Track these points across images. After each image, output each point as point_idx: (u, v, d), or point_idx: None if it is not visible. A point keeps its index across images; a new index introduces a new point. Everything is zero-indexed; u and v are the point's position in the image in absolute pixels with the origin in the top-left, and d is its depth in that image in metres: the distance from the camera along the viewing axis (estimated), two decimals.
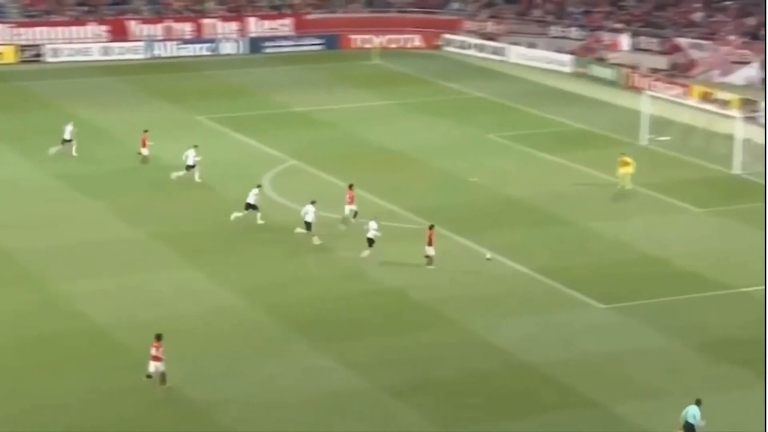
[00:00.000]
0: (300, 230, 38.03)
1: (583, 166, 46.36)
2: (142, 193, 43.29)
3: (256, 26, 73.76)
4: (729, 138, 48.53)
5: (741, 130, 46.65)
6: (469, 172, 45.72)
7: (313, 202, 38.03)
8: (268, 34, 73.43)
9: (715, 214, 40.17)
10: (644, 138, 49.70)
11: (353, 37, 73.20)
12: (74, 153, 47.22)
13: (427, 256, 35.69)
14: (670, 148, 48.71)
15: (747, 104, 54.19)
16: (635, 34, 66.42)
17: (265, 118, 56.12)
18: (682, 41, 64.73)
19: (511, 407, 27.57)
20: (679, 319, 32.15)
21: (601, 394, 27.97)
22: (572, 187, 44.10)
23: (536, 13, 73.24)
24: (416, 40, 73.56)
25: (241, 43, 72.35)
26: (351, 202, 39.41)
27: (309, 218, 37.80)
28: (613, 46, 66.23)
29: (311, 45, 73.10)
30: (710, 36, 64.47)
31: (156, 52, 70.48)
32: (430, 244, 35.68)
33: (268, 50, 72.36)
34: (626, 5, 70.60)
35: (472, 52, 71.23)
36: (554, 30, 70.78)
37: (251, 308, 32.96)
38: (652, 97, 52.32)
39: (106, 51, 69.31)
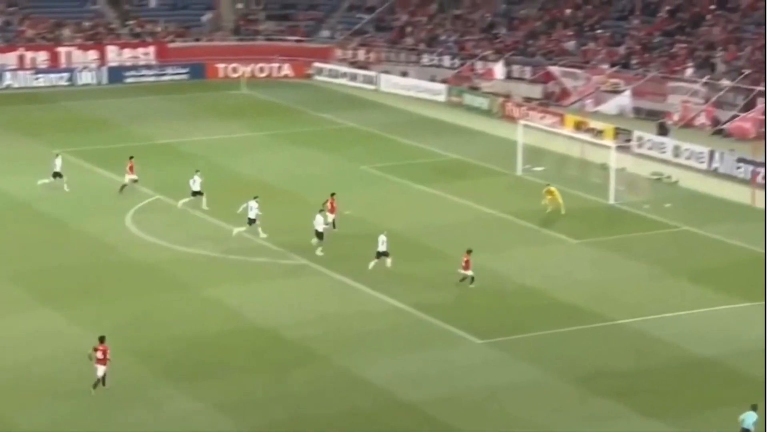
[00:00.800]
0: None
1: (460, 197, 46.99)
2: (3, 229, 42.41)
3: (115, 55, 72.95)
4: (603, 168, 49.86)
5: (615, 159, 47.94)
6: (343, 206, 45.88)
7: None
8: (128, 63, 72.69)
9: (590, 245, 41.11)
10: (519, 168, 50.67)
11: (219, 65, 72.99)
12: (66, 188, 46.67)
13: (465, 278, 36.81)
14: (545, 179, 49.71)
15: (620, 133, 55.74)
16: (508, 63, 67.80)
17: (127, 151, 55.41)
18: (555, 70, 66.32)
19: None
20: (557, 352, 32.72)
21: None
22: (448, 219, 44.63)
23: (408, 41, 74.19)
24: (285, 69, 73.73)
25: (100, 72, 71.42)
26: (332, 211, 41.43)
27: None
28: (487, 75, 67.48)
29: (175, 74, 72.64)
30: (582, 65, 66.22)
31: (8, 83, 69.10)
32: (466, 268, 36.62)
33: (129, 80, 71.64)
34: (499, 33, 72.07)
35: (343, 81, 71.72)
36: (427, 58, 71.77)
37: (113, 351, 32.36)
38: (527, 126, 53.43)
39: None
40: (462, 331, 33.88)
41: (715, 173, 51.02)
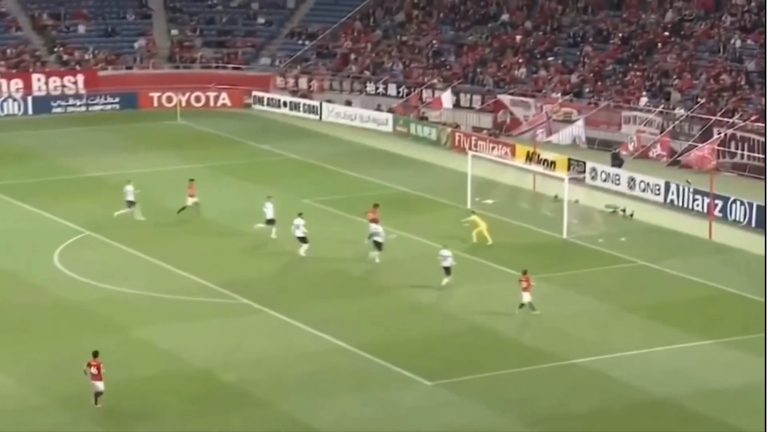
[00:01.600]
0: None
1: (407, 232, 47.14)
2: None
3: (41, 84, 72.50)
4: (556, 200, 50.30)
5: (568, 192, 48.37)
6: (285, 241, 45.85)
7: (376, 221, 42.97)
8: (55, 93, 72.29)
9: (543, 281, 41.36)
10: (469, 201, 50.96)
11: (153, 94, 72.80)
12: (140, 217, 47.56)
13: (525, 304, 37.34)
14: (496, 212, 50.04)
15: (573, 165, 56.24)
16: (457, 91, 68.31)
17: (55, 184, 55.08)
18: (505, 98, 66.91)
19: None
20: (510, 394, 32.84)
21: None
22: (395, 254, 44.69)
23: (352, 69, 74.51)
24: (223, 98, 73.72)
25: (24, 102, 70.92)
26: (374, 221, 43.82)
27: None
28: (435, 104, 67.94)
29: (105, 104, 72.33)
30: (533, 93, 66.87)
31: None
32: (526, 289, 37.16)
33: (56, 110, 71.27)
34: (447, 61, 72.62)
35: (284, 110, 71.84)
36: (372, 87, 72.13)
37: (37, 396, 32.06)
38: (476, 157, 53.80)
39: None
40: (410, 372, 33.91)
41: (671, 206, 51.64)
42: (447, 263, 40.04)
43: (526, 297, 37.74)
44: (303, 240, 43.46)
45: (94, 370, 30.43)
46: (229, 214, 49.66)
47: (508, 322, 37.80)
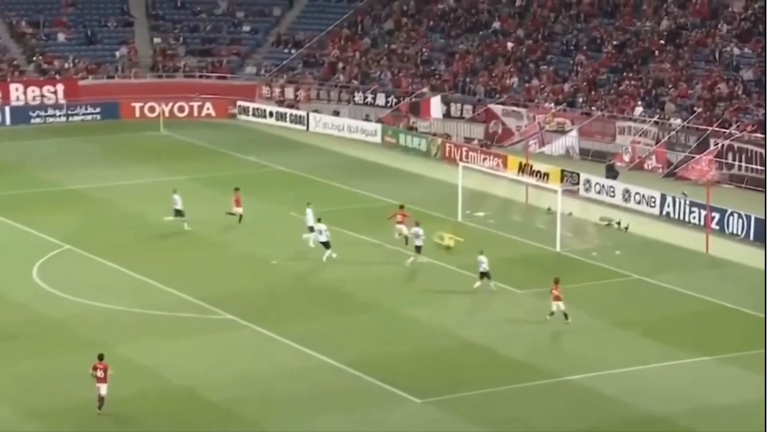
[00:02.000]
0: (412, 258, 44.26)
1: (396, 245, 47.12)
2: None
3: (19, 94, 72.41)
4: (549, 212, 50.38)
5: (561, 204, 48.45)
6: (271, 255, 45.88)
7: (417, 223, 44.66)
8: (34, 103, 72.22)
9: (536, 295, 41.44)
10: (460, 214, 51.03)
11: (135, 104, 72.80)
12: (186, 227, 48.15)
13: (558, 313, 38.46)
14: (488, 225, 50.12)
15: (567, 176, 56.34)
16: (447, 101, 68.42)
17: (33, 197, 55.02)
18: (497, 108, 67.03)
19: None
20: (501, 412, 32.84)
21: None
22: (384, 269, 44.77)
23: (340, 78, 74.58)
24: (207, 108, 73.74)
25: (2, 112, 70.82)
26: (401, 222, 46.30)
27: (418, 242, 44.36)
28: (425, 114, 68.03)
29: (86, 114, 72.28)
30: (525, 103, 66.93)
31: None
32: (558, 299, 38.23)
33: (35, 121, 71.19)
34: (436, 70, 72.72)
35: (270, 121, 71.88)
36: (360, 96, 72.22)
37: (13, 414, 31.98)
38: (468, 168, 53.88)
39: None
40: (399, 389, 33.91)
41: (667, 218, 51.77)
42: (482, 268, 41.35)
43: (557, 306, 38.67)
44: (326, 245, 44.64)
45: (99, 373, 31.25)
46: (214, 227, 49.62)
47: (499, 338, 37.84)
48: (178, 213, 49.04)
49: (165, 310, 39.68)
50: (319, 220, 45.47)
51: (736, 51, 64.49)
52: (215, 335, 37.99)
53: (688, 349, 36.96)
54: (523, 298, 41.86)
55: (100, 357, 31.72)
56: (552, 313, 38.60)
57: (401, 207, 47.77)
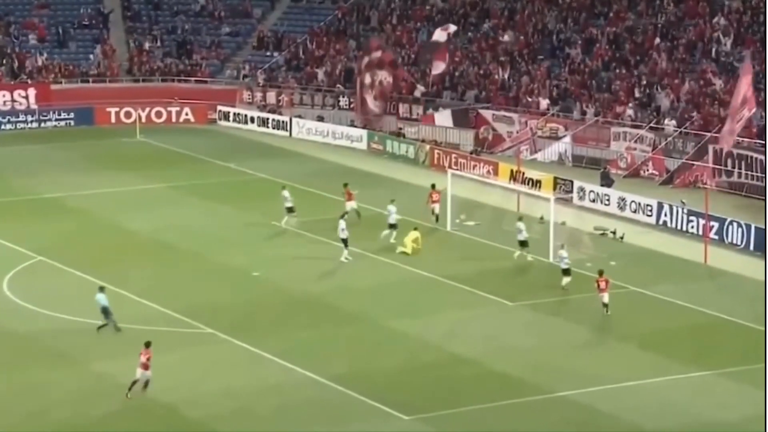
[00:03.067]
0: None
1: (383, 256, 47.31)
2: None
3: None
4: (541, 222, 50.59)
5: (554, 213, 48.67)
6: (252, 266, 46.00)
7: (520, 218, 46.53)
8: (4, 108, 72.21)
9: (528, 307, 41.64)
10: (450, 223, 51.22)
11: (110, 110, 72.85)
12: (284, 224, 50.24)
13: (606, 304, 40.58)
14: (478, 235, 50.30)
15: (560, 184, 56.54)
16: (436, 107, 68.55)
17: (3, 206, 55.06)
18: (487, 114, 67.20)
19: None
20: (493, 429, 33.00)
21: None
22: (371, 280, 44.92)
23: (323, 81, 74.63)
24: (186, 114, 73.82)
25: None
26: (437, 201, 50.25)
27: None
28: (439, 59, 68.17)
29: (59, 120, 72.34)
30: (516, 109, 66.83)
31: None
32: (604, 290, 40.41)
33: (6, 127, 71.24)
34: (424, 71, 72.74)
35: (251, 126, 72.02)
36: (344, 101, 72.35)
37: None
38: (457, 176, 54.05)
39: None
40: (387, 406, 34.05)
41: (664, 228, 52.03)
42: (564, 265, 43.04)
43: (604, 298, 40.19)
44: (345, 242, 46.17)
45: (143, 358, 33.40)
46: (191, 238, 49.72)
47: (490, 352, 37.97)
48: (290, 210, 50.34)
49: (142, 323, 39.72)
50: (392, 201, 48.63)
51: (734, 53, 64.72)
52: (195, 349, 38.10)
53: (686, 362, 37.18)
54: (515, 311, 42.04)
55: (147, 344, 33.75)
56: (605, 306, 40.38)
57: (433, 186, 50.20)
